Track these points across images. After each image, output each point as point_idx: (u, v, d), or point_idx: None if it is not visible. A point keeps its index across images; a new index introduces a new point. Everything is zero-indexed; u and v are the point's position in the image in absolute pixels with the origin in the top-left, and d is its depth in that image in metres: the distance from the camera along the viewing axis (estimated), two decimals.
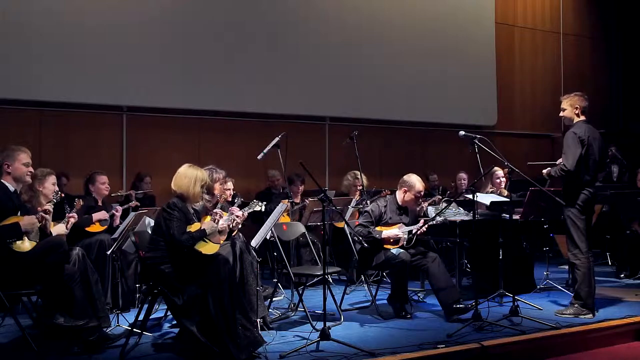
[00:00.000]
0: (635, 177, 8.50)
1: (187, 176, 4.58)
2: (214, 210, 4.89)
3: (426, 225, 5.72)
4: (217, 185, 5.34)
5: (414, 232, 5.72)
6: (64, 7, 8.29)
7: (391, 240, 5.71)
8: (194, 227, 4.52)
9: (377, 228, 5.76)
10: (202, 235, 4.48)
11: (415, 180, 5.84)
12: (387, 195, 6.16)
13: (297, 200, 8.01)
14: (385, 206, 5.89)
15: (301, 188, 8.24)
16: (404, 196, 5.89)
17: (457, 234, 6.16)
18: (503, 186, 7.12)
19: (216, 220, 4.66)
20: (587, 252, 5.50)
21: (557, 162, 5.57)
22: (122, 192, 7.60)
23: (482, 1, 11.56)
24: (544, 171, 5.63)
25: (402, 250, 5.62)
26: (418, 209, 6.81)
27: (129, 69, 8.60)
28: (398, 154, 10.66)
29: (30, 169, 4.74)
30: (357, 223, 6.02)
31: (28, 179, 4.76)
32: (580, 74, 12.77)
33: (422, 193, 5.99)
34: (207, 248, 4.50)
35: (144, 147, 8.90)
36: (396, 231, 5.72)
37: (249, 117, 9.56)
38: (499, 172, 7.07)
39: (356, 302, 6.36)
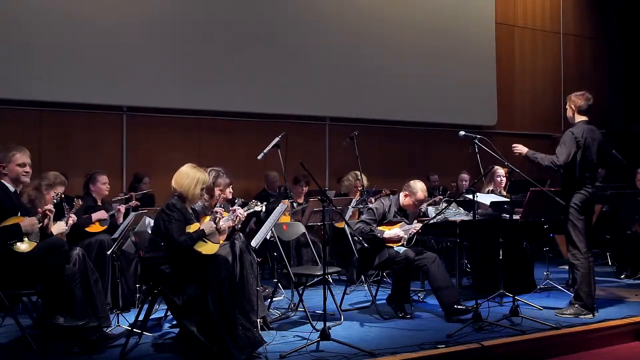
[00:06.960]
0: (634, 177, 8.48)
1: (189, 177, 4.55)
2: (215, 209, 4.88)
3: (420, 226, 5.75)
4: (217, 190, 5.33)
5: (411, 233, 5.75)
6: (64, 7, 8.29)
7: (393, 239, 5.72)
8: (192, 228, 4.50)
9: (380, 227, 5.77)
10: (201, 235, 4.47)
11: (419, 189, 5.82)
12: (391, 195, 6.17)
13: (300, 200, 7.98)
14: (389, 205, 5.93)
15: (305, 189, 8.18)
16: (404, 199, 5.92)
17: (457, 234, 6.16)
18: (503, 185, 7.11)
19: (217, 220, 4.64)
20: (587, 252, 5.49)
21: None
22: (122, 195, 7.56)
23: (482, 1, 11.57)
24: (524, 150, 5.62)
25: (405, 248, 5.63)
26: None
27: (129, 69, 8.61)
28: (398, 154, 10.66)
29: (27, 168, 4.63)
30: (356, 221, 6.02)
31: (25, 179, 4.67)
32: (580, 74, 12.78)
33: (422, 203, 6.01)
34: (207, 248, 4.49)
35: (144, 147, 8.90)
36: (397, 231, 5.73)
37: (249, 117, 9.56)
38: (500, 170, 7.03)
39: (356, 302, 6.35)
